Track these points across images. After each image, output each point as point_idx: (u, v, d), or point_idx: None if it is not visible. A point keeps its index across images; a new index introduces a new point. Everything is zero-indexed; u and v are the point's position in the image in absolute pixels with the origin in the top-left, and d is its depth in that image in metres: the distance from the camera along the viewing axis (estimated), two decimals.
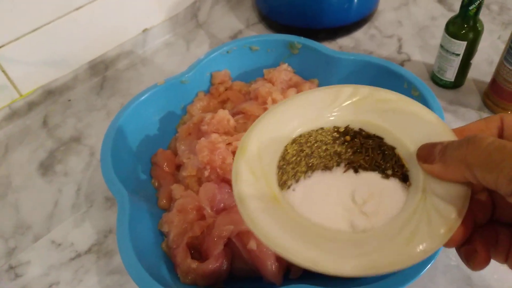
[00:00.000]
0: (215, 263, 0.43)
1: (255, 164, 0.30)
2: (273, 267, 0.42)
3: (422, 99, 0.51)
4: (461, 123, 0.60)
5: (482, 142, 0.22)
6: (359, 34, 0.76)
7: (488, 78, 0.64)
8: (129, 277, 0.41)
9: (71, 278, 0.50)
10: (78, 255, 0.52)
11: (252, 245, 0.42)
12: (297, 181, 0.30)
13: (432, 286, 0.46)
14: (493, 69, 0.65)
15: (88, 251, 0.53)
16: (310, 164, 0.31)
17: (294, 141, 0.32)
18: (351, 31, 0.76)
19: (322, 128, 0.33)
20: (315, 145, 0.32)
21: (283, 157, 0.31)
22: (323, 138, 0.32)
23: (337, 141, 0.32)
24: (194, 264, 0.43)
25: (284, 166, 0.31)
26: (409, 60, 0.71)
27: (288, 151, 0.32)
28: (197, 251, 0.46)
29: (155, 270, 0.43)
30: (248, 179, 0.29)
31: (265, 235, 0.26)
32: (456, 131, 0.29)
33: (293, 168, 0.31)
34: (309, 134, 0.32)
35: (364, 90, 0.33)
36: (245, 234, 0.43)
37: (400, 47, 0.73)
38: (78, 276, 0.51)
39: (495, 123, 0.27)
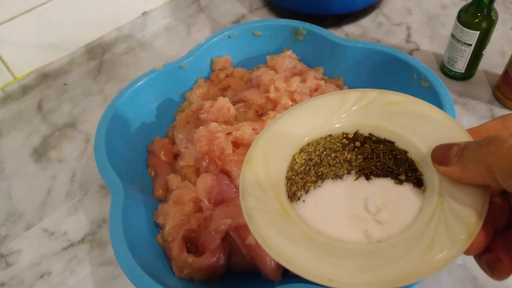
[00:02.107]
0: (211, 257, 0.41)
1: (262, 177, 0.29)
2: (272, 263, 0.40)
3: (432, 91, 0.48)
4: (470, 116, 0.58)
5: (504, 143, 0.21)
6: (366, 22, 0.73)
7: (499, 70, 0.62)
8: None
9: (63, 268, 0.49)
10: (71, 245, 0.51)
11: (251, 240, 0.40)
12: (307, 191, 0.29)
13: (437, 286, 0.44)
14: (505, 60, 0.62)
15: (82, 241, 0.51)
16: (319, 173, 0.30)
17: (302, 150, 0.31)
18: (358, 18, 0.73)
19: (330, 135, 0.31)
20: (324, 153, 0.31)
21: (291, 167, 0.30)
22: (332, 146, 0.31)
23: (347, 148, 0.31)
24: (189, 258, 0.41)
25: (293, 177, 0.30)
26: (417, 49, 0.68)
27: (296, 160, 0.30)
28: (194, 245, 0.44)
29: (149, 264, 0.41)
30: (256, 193, 0.28)
31: (276, 251, 0.25)
32: (470, 131, 0.27)
33: (302, 178, 0.30)
34: (317, 142, 0.31)
35: (372, 94, 0.32)
36: (243, 228, 0.41)
37: (408, 35, 0.70)
38: (71, 266, 0.49)
39: None
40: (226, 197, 0.44)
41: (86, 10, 0.68)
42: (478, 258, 0.25)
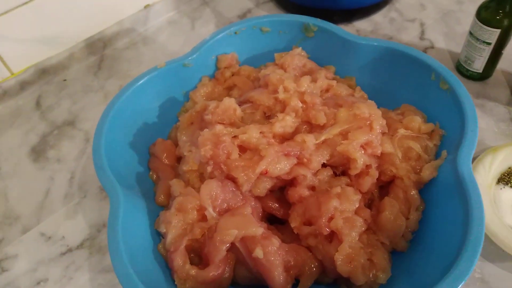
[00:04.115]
0: (216, 270, 0.39)
1: None
2: (281, 277, 0.38)
3: (451, 94, 0.45)
4: (488, 119, 0.55)
5: None
6: (378, 17, 0.70)
7: None
8: None
9: (60, 275, 0.47)
10: (69, 250, 0.49)
11: (258, 252, 0.38)
12: None
13: None
14: None
15: (80, 246, 0.49)
16: None
17: None
18: (369, 14, 0.70)
19: None
20: None
21: None
22: None
23: None
24: (193, 271, 0.39)
25: None
26: (432, 47, 0.65)
27: None
28: (197, 255, 0.42)
29: (149, 275, 0.39)
30: None
31: None
32: None
33: None
34: None
35: None
36: (250, 240, 0.39)
37: (422, 32, 0.67)
38: (69, 273, 0.47)
39: None
40: (232, 205, 0.41)
41: (86, 3, 0.66)
42: None
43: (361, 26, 0.69)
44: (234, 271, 0.40)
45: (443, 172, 0.43)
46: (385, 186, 0.44)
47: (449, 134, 0.46)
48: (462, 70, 0.60)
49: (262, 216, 0.43)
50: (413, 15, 0.71)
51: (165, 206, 0.46)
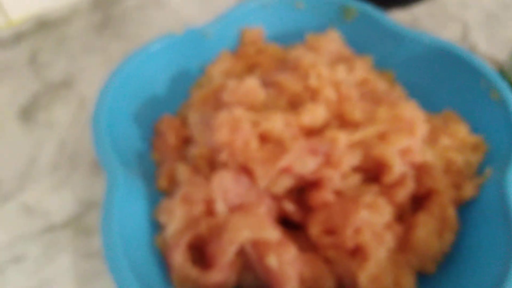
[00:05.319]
0: (220, 274, 0.34)
1: None
2: None
3: (502, 106, 0.40)
4: None
5: None
6: (419, 10, 0.64)
7: None
8: None
9: (40, 254, 0.41)
10: (53, 228, 0.43)
11: (272, 260, 0.33)
12: None
13: None
14: None
15: (66, 224, 0.43)
16: None
17: None
18: (409, 3, 0.63)
19: None
20: None
21: None
22: None
23: None
24: (194, 272, 0.34)
25: None
26: (474, 51, 0.59)
27: None
28: (199, 252, 0.37)
29: (143, 269, 0.34)
30: None
31: None
32: None
33: None
34: None
35: None
36: (263, 245, 0.34)
37: (464, 33, 0.62)
38: (50, 253, 0.42)
39: None
40: (245, 202, 0.36)
41: None
42: None
43: (399, 17, 0.63)
44: (239, 276, 0.36)
45: (485, 192, 0.38)
46: (418, 200, 0.39)
47: (494, 150, 0.41)
48: (505, 81, 0.54)
49: (277, 218, 0.38)
50: (457, 13, 0.65)
51: (167, 192, 0.41)
